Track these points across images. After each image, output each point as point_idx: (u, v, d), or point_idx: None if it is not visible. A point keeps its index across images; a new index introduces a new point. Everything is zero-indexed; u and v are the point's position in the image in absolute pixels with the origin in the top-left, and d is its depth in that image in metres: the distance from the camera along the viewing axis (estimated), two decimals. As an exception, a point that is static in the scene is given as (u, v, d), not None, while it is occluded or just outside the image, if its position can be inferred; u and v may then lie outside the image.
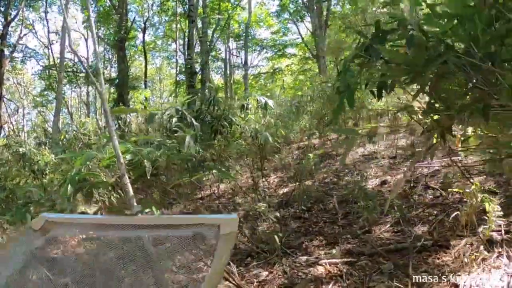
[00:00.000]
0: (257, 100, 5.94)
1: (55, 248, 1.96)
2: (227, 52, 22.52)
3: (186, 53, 17.03)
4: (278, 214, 3.77)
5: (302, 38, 17.82)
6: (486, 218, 3.53)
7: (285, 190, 6.53)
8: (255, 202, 5.65)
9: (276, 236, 3.53)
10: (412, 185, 5.25)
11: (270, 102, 5.84)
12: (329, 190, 5.98)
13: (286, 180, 7.23)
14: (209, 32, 18.45)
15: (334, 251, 3.61)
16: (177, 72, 21.58)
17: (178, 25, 21.30)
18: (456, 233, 3.74)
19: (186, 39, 17.51)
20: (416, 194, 4.99)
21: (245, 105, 6.20)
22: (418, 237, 3.81)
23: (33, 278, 1.74)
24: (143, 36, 21.53)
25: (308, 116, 10.78)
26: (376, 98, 2.58)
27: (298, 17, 17.89)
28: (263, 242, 4.34)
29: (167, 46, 26.26)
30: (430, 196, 4.87)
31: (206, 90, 13.59)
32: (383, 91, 2.49)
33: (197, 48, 18.00)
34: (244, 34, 19.21)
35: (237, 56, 20.97)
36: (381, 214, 4.48)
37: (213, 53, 21.15)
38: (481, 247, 3.23)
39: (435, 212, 4.37)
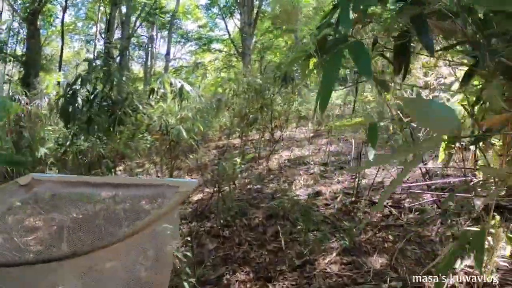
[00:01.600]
0: (171, 84, 4.50)
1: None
2: (150, 42, 20.64)
3: (105, 36, 15.14)
4: (190, 243, 2.42)
5: (229, 34, 16.60)
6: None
7: (200, 196, 5.20)
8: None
9: (185, 283, 2.18)
10: (353, 199, 4.22)
11: (188, 88, 4.41)
12: (253, 199, 4.77)
13: (202, 184, 5.90)
14: (133, 18, 16.62)
15: (269, 299, 2.36)
16: (95, 57, 19.15)
17: (101, 8, 18.97)
18: (427, 268, 2.70)
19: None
20: (360, 211, 3.95)
21: (156, 89, 4.72)
22: (378, 274, 2.72)
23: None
24: (63, 16, 18.72)
25: (230, 113, 9.57)
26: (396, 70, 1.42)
27: (228, 13, 16.62)
28: (172, 271, 2.97)
29: (88, 29, 23.51)
30: (378, 215, 3.85)
31: (124, 78, 11.86)
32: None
33: (119, 34, 16.13)
34: (169, 24, 17.49)
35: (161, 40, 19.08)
36: (325, 239, 3.35)
37: (135, 41, 19.16)
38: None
39: (390, 236, 3.33)
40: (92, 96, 4.36)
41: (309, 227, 3.23)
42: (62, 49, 19.48)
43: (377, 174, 4.50)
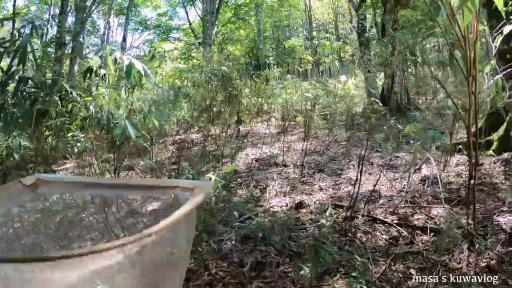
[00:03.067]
0: (115, 61, 3.26)
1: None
2: (106, 29, 18.97)
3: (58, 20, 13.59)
4: None
5: (190, 24, 15.28)
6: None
7: (157, 205, 4.09)
8: (106, 233, 3.13)
9: None
10: (349, 213, 3.29)
11: (139, 66, 3.15)
12: (219, 211, 3.71)
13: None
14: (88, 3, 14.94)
15: None
16: (45, 42, 17.13)
17: (56, -10, 17.09)
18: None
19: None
20: (360, 231, 3.03)
21: (95, 69, 3.44)
22: None
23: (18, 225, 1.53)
24: (14, -1, 16.57)
25: (189, 105, 8.45)
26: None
27: (189, 1, 15.26)
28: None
29: (42, 14, 21.36)
30: (384, 236, 2.94)
31: (76, 66, 10.68)
32: None
33: (73, 19, 14.54)
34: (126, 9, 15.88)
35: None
36: (325, 272, 2.40)
37: (90, 27, 17.40)
38: None
39: (411, 270, 2.42)
40: (7, 76, 3.12)
41: (318, 268, 2.24)
42: (12, 35, 17.36)
43: (376, 182, 3.58)
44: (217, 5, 13.48)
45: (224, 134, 7.13)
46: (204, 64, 6.75)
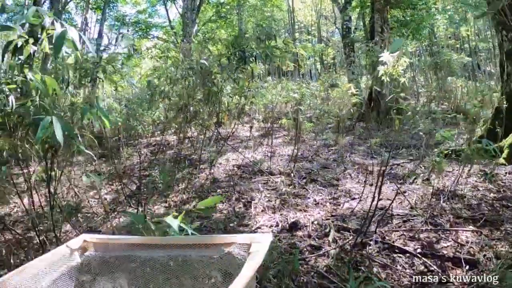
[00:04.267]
0: (43, 28, 2.27)
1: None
2: (84, 24, 17.87)
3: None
4: None
5: (170, 21, 14.39)
6: None
7: (123, 222, 3.30)
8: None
9: None
10: (359, 239, 2.56)
11: (75, 34, 2.09)
12: (195, 232, 2.92)
13: (125, 199, 3.95)
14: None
15: None
16: (19, 35, 15.97)
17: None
18: None
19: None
20: (376, 264, 2.31)
21: (22, 43, 2.44)
22: None
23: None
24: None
25: (165, 105, 7.61)
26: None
27: (171, -2, 14.35)
28: None
29: (17, 8, 20.02)
30: (408, 271, 2.22)
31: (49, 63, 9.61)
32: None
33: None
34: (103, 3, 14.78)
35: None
36: None
37: (67, 21, 16.22)
38: None
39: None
40: None
41: None
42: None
43: (393, 200, 2.87)
44: (198, 2, 12.68)
45: (202, 136, 6.34)
46: (181, 58, 5.95)
